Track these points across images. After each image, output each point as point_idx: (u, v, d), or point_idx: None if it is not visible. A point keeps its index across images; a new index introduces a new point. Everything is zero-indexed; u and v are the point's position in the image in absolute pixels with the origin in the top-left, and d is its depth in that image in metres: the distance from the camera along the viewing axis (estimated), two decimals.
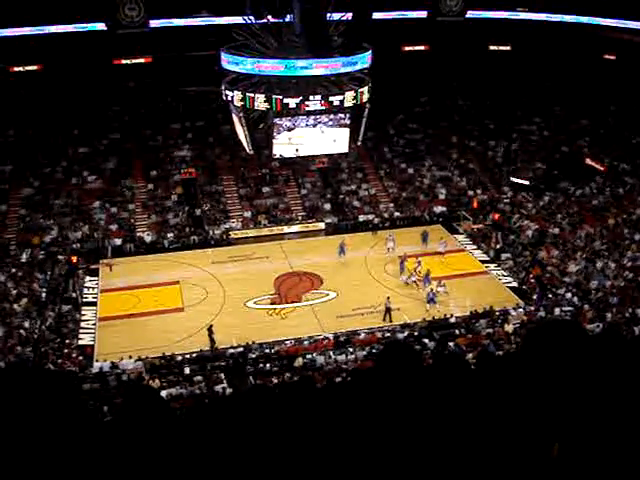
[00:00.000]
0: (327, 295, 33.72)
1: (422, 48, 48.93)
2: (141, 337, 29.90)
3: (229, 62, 27.91)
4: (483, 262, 37.29)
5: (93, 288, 34.86)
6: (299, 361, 27.46)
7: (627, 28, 45.89)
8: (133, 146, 45.85)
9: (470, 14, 47.43)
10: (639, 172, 41.52)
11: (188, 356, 28.18)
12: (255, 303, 32.96)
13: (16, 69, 41.84)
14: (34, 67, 42.07)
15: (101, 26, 40.33)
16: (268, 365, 27.43)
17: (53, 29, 39.35)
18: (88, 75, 43.52)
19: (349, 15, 29.62)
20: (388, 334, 29.54)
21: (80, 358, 28.30)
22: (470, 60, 49.98)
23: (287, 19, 28.23)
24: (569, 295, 32.22)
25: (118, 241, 39.05)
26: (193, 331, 30.33)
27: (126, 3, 39.70)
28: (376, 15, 37.78)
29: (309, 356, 27.88)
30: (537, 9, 49.33)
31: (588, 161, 44.23)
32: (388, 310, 31.06)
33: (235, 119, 29.85)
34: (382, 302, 31.80)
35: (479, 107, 51.53)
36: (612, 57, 48.59)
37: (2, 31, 38.06)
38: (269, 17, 28.39)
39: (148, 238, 39.62)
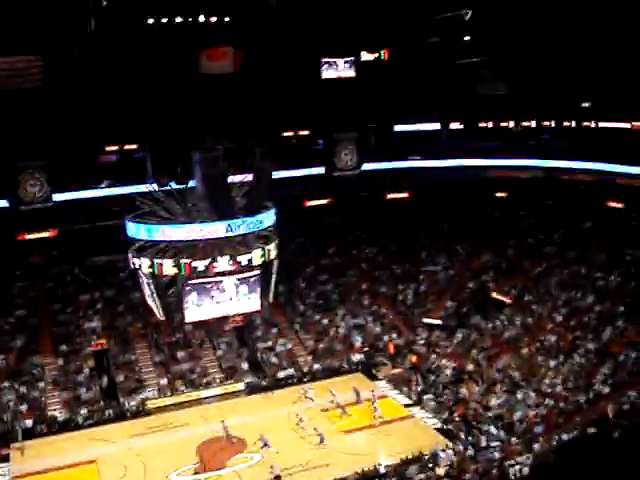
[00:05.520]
0: (251, 459, 32.48)
1: (324, 202, 50.64)
2: None
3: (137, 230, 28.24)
4: (407, 406, 37.02)
5: (5, 475, 32.49)
6: None
7: (515, 166, 49.65)
8: (41, 321, 44.50)
9: (366, 167, 50.06)
10: (544, 300, 43.04)
11: None
12: (178, 475, 31.34)
13: None
14: None
15: (3, 203, 40.22)
16: None
17: None
18: None
19: (250, 176, 30.78)
20: None
21: None
22: (371, 209, 52.15)
23: (189, 184, 29.07)
24: (494, 429, 32.18)
25: (29, 422, 36.88)
26: None
27: (28, 180, 39.90)
28: (277, 174, 39.11)
29: None
30: (430, 156, 52.72)
31: (494, 294, 45.66)
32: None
33: (144, 286, 29.75)
34: (309, 460, 31.11)
35: (385, 253, 53.04)
36: (504, 195, 51.95)
37: None
38: (172, 184, 29.18)
39: (60, 416, 37.70)
